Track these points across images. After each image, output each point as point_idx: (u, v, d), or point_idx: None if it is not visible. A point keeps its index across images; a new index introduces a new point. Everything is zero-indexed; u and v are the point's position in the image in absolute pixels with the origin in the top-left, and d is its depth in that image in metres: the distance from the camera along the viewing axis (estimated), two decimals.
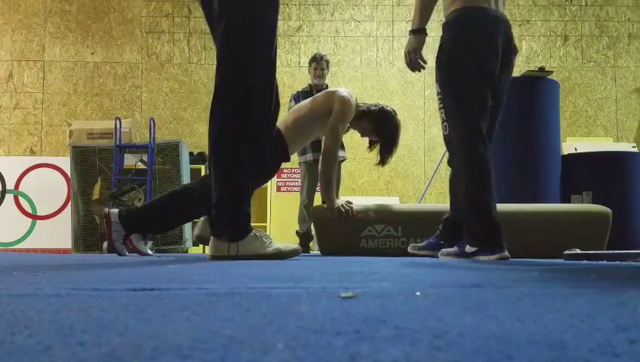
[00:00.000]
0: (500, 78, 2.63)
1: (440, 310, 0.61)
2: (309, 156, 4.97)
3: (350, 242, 3.45)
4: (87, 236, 5.68)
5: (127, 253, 3.21)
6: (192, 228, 6.16)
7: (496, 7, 2.60)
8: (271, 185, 6.83)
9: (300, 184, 5.23)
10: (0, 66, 7.55)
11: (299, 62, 7.47)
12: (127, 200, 5.21)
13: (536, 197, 4.19)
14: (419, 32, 2.69)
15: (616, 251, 2.70)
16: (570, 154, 5.10)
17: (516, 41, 2.89)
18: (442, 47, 2.68)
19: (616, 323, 0.51)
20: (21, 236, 6.58)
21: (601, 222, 3.42)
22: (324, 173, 3.43)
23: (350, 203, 3.55)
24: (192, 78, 7.58)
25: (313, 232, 4.77)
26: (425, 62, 2.72)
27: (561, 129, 5.29)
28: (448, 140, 2.71)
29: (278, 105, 2.50)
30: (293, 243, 5.53)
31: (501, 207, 3.48)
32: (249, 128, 2.23)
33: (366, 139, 3.72)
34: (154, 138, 5.62)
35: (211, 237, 2.27)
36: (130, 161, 5.70)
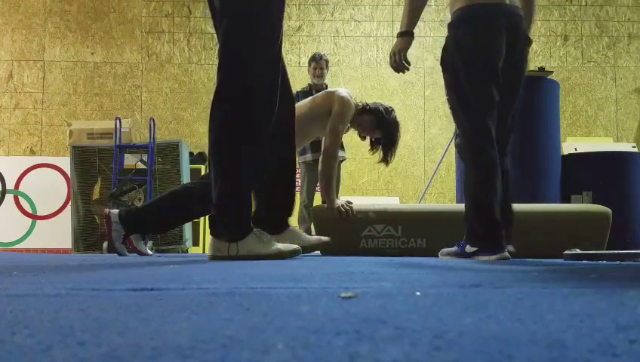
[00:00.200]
0: (507, 74, 2.61)
1: (440, 310, 0.61)
2: (309, 156, 4.97)
3: (350, 242, 3.45)
4: (87, 236, 5.68)
5: (127, 253, 3.21)
6: (192, 228, 6.16)
7: None
8: None
9: (299, 184, 5.24)
10: (0, 66, 7.55)
11: (299, 62, 7.47)
12: (127, 200, 5.21)
13: (536, 197, 4.19)
14: (406, 34, 2.71)
15: (616, 251, 2.70)
16: (570, 154, 5.10)
17: None
18: (446, 47, 2.69)
19: (616, 323, 0.51)
20: (21, 236, 6.59)
21: (601, 222, 3.42)
22: (324, 173, 3.43)
23: (350, 203, 3.54)
24: (192, 78, 7.58)
25: (313, 232, 4.77)
26: (409, 64, 2.76)
27: (561, 129, 5.29)
28: (458, 143, 2.74)
29: (292, 101, 2.51)
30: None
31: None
32: (249, 128, 2.23)
33: (366, 141, 3.72)
34: (154, 138, 5.62)
35: (211, 237, 2.28)
36: (130, 161, 5.70)
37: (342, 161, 5.02)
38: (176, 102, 7.56)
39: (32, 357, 0.36)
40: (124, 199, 5.21)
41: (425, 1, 2.76)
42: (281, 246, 2.28)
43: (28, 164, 6.79)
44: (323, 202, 3.70)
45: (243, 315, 0.57)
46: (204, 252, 6.26)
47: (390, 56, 2.75)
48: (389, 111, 3.58)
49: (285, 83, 2.47)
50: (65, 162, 6.41)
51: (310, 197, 5.01)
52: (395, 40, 2.79)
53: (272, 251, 2.22)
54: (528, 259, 2.74)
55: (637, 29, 7.78)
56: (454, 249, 2.69)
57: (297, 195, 5.25)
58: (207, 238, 6.28)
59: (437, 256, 2.85)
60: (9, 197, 6.65)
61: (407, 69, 2.76)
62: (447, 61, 2.66)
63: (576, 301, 0.71)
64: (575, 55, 7.66)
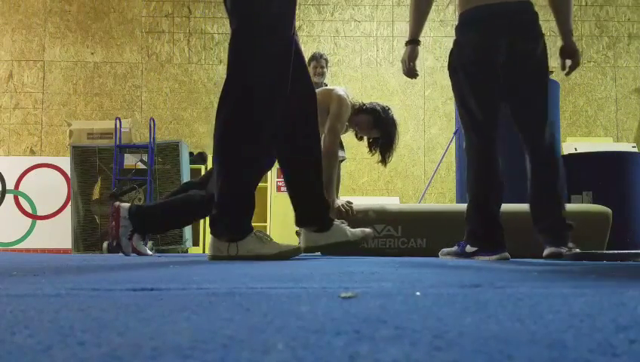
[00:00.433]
0: (511, 74, 2.60)
1: (440, 310, 0.61)
2: None
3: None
4: (87, 236, 5.68)
5: (130, 253, 3.21)
6: (192, 228, 6.16)
7: None
8: (271, 185, 6.83)
9: None
10: (0, 66, 7.55)
11: None
12: (127, 200, 5.21)
13: None
14: (412, 42, 2.77)
15: (616, 251, 2.70)
16: (570, 154, 5.09)
17: None
18: (450, 51, 2.75)
19: (616, 324, 0.51)
20: (21, 236, 6.58)
21: (601, 222, 3.42)
22: (325, 172, 3.43)
23: (350, 203, 3.54)
24: (192, 78, 7.58)
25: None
26: (412, 73, 2.83)
27: (561, 129, 5.29)
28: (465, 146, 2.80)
29: (309, 95, 2.50)
30: (293, 243, 5.54)
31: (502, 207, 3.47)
32: (249, 128, 2.23)
33: (366, 141, 3.72)
34: (154, 138, 5.62)
35: (211, 236, 2.28)
36: (130, 161, 5.70)
37: (342, 160, 5.01)
38: (176, 102, 7.56)
39: (32, 357, 0.36)
40: (124, 199, 5.20)
41: (428, 8, 2.78)
42: (281, 246, 2.28)
43: (28, 164, 6.79)
44: None
45: (243, 315, 0.57)
46: (204, 252, 6.26)
47: (402, 63, 2.84)
48: (386, 110, 3.57)
49: (304, 80, 2.47)
50: (65, 162, 6.41)
51: None
52: (403, 45, 2.86)
53: (272, 251, 2.22)
54: (528, 259, 2.74)
55: (637, 28, 7.78)
56: (454, 249, 2.69)
57: None
58: (207, 238, 6.28)
59: (437, 256, 2.84)
60: (9, 197, 6.65)
61: (417, 75, 2.84)
62: (450, 65, 2.71)
63: (577, 301, 0.71)
64: None
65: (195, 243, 6.43)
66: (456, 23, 2.71)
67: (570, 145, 6.71)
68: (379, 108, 3.56)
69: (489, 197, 2.61)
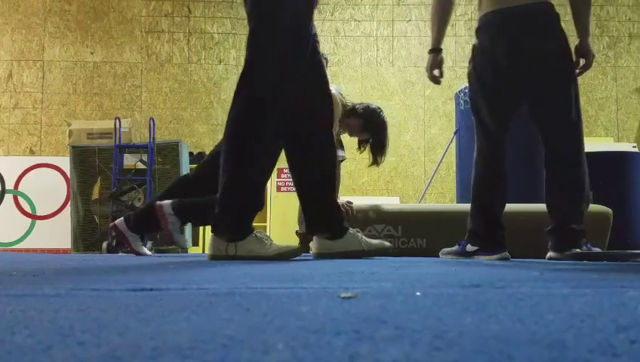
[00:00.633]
0: (521, 75, 2.61)
1: (440, 310, 0.61)
2: None
3: None
4: (87, 236, 5.68)
5: (184, 245, 3.33)
6: (192, 229, 6.16)
7: (511, 1, 2.60)
8: (271, 185, 6.83)
9: None
10: None
11: None
12: (127, 200, 5.21)
13: (536, 197, 4.19)
14: (433, 51, 2.84)
15: (616, 251, 2.70)
16: None
17: None
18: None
19: (616, 324, 0.51)
20: (21, 236, 6.58)
21: (601, 222, 3.42)
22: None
23: (350, 203, 3.54)
24: (192, 78, 7.58)
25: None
26: (441, 77, 2.89)
27: None
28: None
29: (327, 97, 2.50)
30: (293, 243, 5.54)
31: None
32: (257, 127, 2.23)
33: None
34: (154, 138, 5.62)
35: (211, 234, 2.28)
36: (129, 161, 5.69)
37: (342, 160, 5.01)
38: (175, 102, 7.56)
39: (32, 357, 0.36)
40: (124, 199, 5.21)
41: (448, 16, 2.83)
42: (281, 247, 2.28)
43: (27, 164, 6.79)
44: None
45: (243, 315, 0.57)
46: (204, 252, 6.26)
47: (426, 71, 2.92)
48: (376, 112, 3.54)
49: (320, 80, 2.46)
50: (64, 162, 6.41)
51: None
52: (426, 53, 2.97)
53: (271, 252, 2.22)
54: (528, 259, 2.74)
55: (637, 28, 7.78)
56: (455, 248, 2.70)
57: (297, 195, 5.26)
58: (207, 238, 6.28)
59: (437, 256, 2.84)
60: (8, 197, 6.65)
61: (440, 82, 2.92)
62: (468, 70, 2.82)
63: (577, 301, 0.71)
64: None
65: (195, 243, 6.43)
66: (476, 25, 2.76)
67: None
68: (369, 111, 3.52)
69: (493, 199, 2.63)
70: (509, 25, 2.60)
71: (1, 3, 7.57)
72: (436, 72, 2.83)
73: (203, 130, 7.35)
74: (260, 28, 2.24)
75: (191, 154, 6.54)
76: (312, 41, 2.37)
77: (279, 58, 2.25)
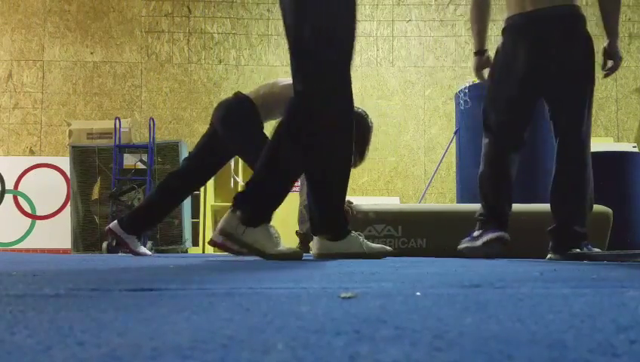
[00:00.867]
0: (550, 75, 2.67)
1: (440, 310, 0.61)
2: None
3: None
4: (87, 236, 5.68)
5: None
6: (192, 229, 6.16)
7: (534, 4, 2.66)
8: None
9: (299, 184, 5.24)
10: None
11: None
12: (127, 200, 5.21)
13: (536, 197, 4.19)
14: (477, 54, 2.95)
15: (616, 251, 2.71)
16: None
17: None
18: None
19: (616, 324, 0.51)
20: (20, 236, 6.58)
21: (601, 222, 3.42)
22: None
23: (350, 203, 3.54)
24: (192, 78, 7.58)
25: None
26: (484, 80, 2.99)
27: None
28: None
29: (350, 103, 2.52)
30: (293, 243, 5.53)
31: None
32: (307, 137, 2.28)
33: None
34: (154, 138, 5.62)
35: (230, 210, 2.26)
36: (129, 161, 5.70)
37: None
38: (175, 102, 7.56)
39: (31, 357, 0.36)
40: (124, 199, 5.21)
41: (486, 17, 2.90)
42: (284, 248, 2.27)
43: (27, 164, 6.79)
44: None
45: (243, 315, 0.57)
46: (203, 252, 6.26)
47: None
48: (359, 117, 3.54)
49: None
50: (64, 162, 6.41)
51: None
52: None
53: (272, 250, 2.22)
54: (528, 259, 2.74)
55: (637, 28, 7.78)
56: (467, 238, 2.80)
57: (297, 195, 5.26)
58: (207, 238, 6.28)
59: (437, 256, 2.85)
60: (8, 197, 6.65)
61: (487, 83, 2.98)
62: (490, 68, 2.92)
63: (577, 301, 0.71)
64: None
65: (195, 243, 6.43)
66: (503, 26, 2.84)
67: None
68: (355, 117, 3.53)
69: (500, 198, 2.72)
70: (533, 27, 2.67)
71: (1, 3, 7.57)
72: (485, 73, 2.93)
73: (203, 130, 7.32)
74: (307, 63, 2.23)
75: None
76: None
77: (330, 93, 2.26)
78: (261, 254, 2.21)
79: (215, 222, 6.36)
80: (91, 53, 7.58)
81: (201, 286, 0.93)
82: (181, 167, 3.50)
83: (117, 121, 5.63)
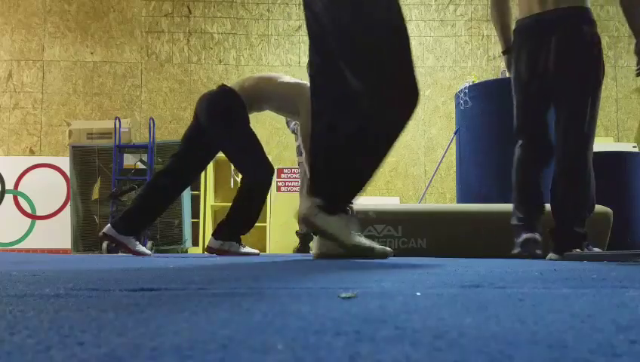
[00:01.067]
0: (556, 79, 2.70)
1: (440, 310, 0.61)
2: None
3: None
4: (87, 236, 5.68)
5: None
6: (192, 229, 6.17)
7: (542, 6, 2.69)
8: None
9: (299, 184, 5.24)
10: None
11: (299, 62, 7.47)
12: (127, 200, 5.21)
13: None
14: (505, 52, 2.97)
15: (616, 251, 2.71)
16: None
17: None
18: None
19: (616, 324, 0.51)
20: (20, 236, 6.59)
21: (601, 222, 3.42)
22: None
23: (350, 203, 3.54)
24: (192, 78, 7.58)
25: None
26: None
27: None
28: None
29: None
30: (293, 243, 5.53)
31: (502, 207, 3.48)
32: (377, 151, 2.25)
33: None
34: (154, 138, 5.62)
35: (306, 195, 2.23)
36: (129, 160, 5.70)
37: None
38: (175, 102, 7.56)
39: (31, 358, 0.36)
40: (124, 199, 5.21)
41: (506, 18, 2.93)
42: (366, 243, 2.22)
43: (27, 164, 6.79)
44: None
45: (243, 315, 0.56)
46: (203, 252, 6.26)
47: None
48: None
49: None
50: (64, 162, 6.41)
51: None
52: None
53: (349, 242, 2.16)
54: (529, 260, 2.74)
55: None
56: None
57: (297, 195, 5.26)
58: (206, 238, 6.29)
59: (437, 256, 2.85)
60: (8, 198, 6.65)
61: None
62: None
63: (577, 301, 0.71)
64: None
65: (195, 243, 6.43)
66: (514, 27, 2.89)
67: None
68: None
69: (531, 214, 2.80)
70: (536, 30, 2.71)
71: (1, 3, 7.57)
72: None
73: None
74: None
75: None
76: None
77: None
78: (336, 242, 2.16)
79: (215, 222, 6.35)
80: (91, 53, 7.58)
81: (201, 286, 0.93)
82: (169, 164, 3.47)
83: (117, 121, 5.63)
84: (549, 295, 0.79)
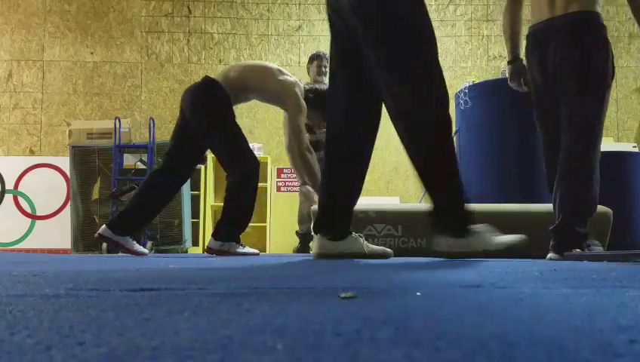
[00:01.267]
0: (562, 84, 2.73)
1: (440, 310, 0.61)
2: None
3: None
4: (87, 236, 5.68)
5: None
6: (192, 229, 6.16)
7: (551, 12, 2.74)
8: (271, 185, 6.83)
9: (299, 184, 5.24)
10: None
11: (299, 62, 7.46)
12: (127, 201, 5.21)
13: (536, 197, 4.19)
14: (510, 61, 2.99)
15: (616, 251, 2.71)
16: None
17: None
18: None
19: (616, 324, 0.51)
20: (20, 236, 6.58)
21: (601, 222, 3.41)
22: (310, 174, 3.38)
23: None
24: (192, 78, 7.58)
25: (313, 232, 4.77)
26: (520, 87, 3.03)
27: None
28: None
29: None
30: (293, 243, 5.52)
31: (502, 207, 3.48)
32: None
33: None
34: (154, 138, 5.62)
35: (436, 228, 2.30)
36: (129, 160, 5.70)
37: None
38: (175, 102, 7.55)
39: (31, 358, 0.36)
40: (124, 199, 5.20)
41: (517, 27, 2.95)
42: (505, 238, 2.30)
43: (27, 164, 6.79)
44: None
45: (243, 315, 0.56)
46: (203, 252, 6.26)
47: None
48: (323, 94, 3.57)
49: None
50: (64, 162, 6.41)
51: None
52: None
53: (494, 245, 2.26)
54: (529, 260, 2.74)
55: (637, 28, 7.77)
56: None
57: (297, 195, 5.26)
58: (206, 238, 6.28)
59: (437, 256, 2.85)
60: (8, 197, 6.65)
61: (524, 90, 3.04)
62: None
63: (577, 301, 0.70)
64: None
65: (195, 243, 6.43)
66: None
67: None
68: (316, 90, 3.58)
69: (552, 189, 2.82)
70: (544, 35, 2.75)
71: (1, 3, 7.57)
72: (514, 84, 2.99)
73: None
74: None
75: None
76: None
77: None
78: (491, 247, 2.25)
79: (215, 222, 6.34)
80: (91, 53, 7.58)
81: (201, 286, 0.93)
82: (162, 163, 3.47)
83: (117, 121, 5.63)
84: (549, 295, 0.79)
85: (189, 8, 7.66)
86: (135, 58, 7.59)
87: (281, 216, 6.65)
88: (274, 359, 0.36)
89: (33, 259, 2.73)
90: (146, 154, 5.57)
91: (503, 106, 4.43)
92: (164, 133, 7.36)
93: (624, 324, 0.50)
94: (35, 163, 6.81)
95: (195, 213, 6.40)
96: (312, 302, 0.69)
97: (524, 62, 2.92)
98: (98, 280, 1.09)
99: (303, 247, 5.06)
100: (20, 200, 6.65)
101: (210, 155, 6.23)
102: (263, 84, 3.37)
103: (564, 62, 2.70)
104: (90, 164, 5.78)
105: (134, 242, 3.38)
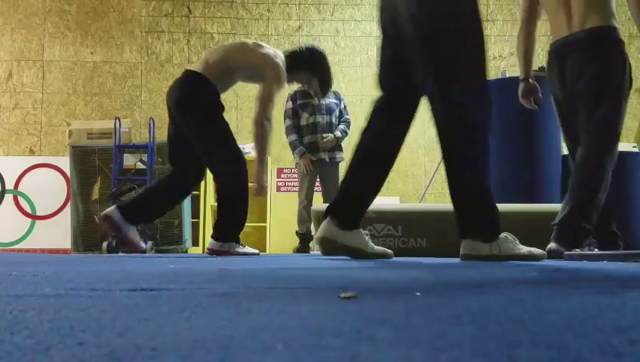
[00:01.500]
0: (580, 95, 2.79)
1: (440, 310, 0.61)
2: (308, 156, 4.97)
3: None
4: (87, 236, 5.68)
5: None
6: (192, 229, 6.16)
7: (569, 29, 2.80)
8: (271, 185, 6.82)
9: (298, 184, 5.24)
10: None
11: None
12: (127, 201, 5.21)
13: (536, 197, 4.19)
14: (522, 80, 3.06)
15: (616, 251, 2.71)
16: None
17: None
18: None
19: (616, 324, 0.51)
20: (20, 236, 6.58)
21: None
22: (261, 142, 3.31)
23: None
24: None
25: (313, 232, 4.77)
26: (531, 105, 3.09)
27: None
28: None
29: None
30: (292, 243, 5.52)
31: (501, 207, 3.48)
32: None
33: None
34: (154, 138, 5.62)
35: (464, 237, 2.30)
36: (129, 160, 5.70)
37: (340, 162, 5.02)
38: None
39: (31, 358, 0.36)
40: (124, 199, 5.20)
41: (529, 48, 3.01)
42: (532, 249, 2.31)
43: (27, 164, 6.79)
44: (324, 202, 3.70)
45: (243, 315, 0.56)
46: (203, 252, 6.26)
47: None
48: (315, 53, 3.66)
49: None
50: (64, 162, 6.41)
51: (309, 198, 5.01)
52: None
53: (524, 251, 2.26)
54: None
55: (637, 28, 7.78)
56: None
57: (297, 195, 5.26)
58: (206, 238, 6.28)
59: (436, 256, 2.85)
60: (8, 197, 6.65)
61: (535, 108, 3.11)
62: None
63: (577, 301, 0.71)
64: None
65: (195, 243, 6.43)
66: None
67: None
68: (312, 57, 3.68)
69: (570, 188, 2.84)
70: (563, 51, 2.82)
71: (1, 3, 7.57)
72: (525, 102, 3.06)
73: None
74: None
75: None
76: None
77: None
78: (515, 258, 2.24)
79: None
80: (91, 53, 7.58)
81: (201, 286, 0.93)
82: (171, 170, 3.48)
83: (117, 121, 5.63)
84: (549, 295, 0.79)
85: (189, 8, 7.66)
86: (135, 58, 7.59)
87: (281, 216, 6.65)
88: (274, 359, 0.36)
89: (33, 259, 2.73)
90: (146, 155, 5.57)
91: (503, 106, 4.43)
92: (164, 133, 7.35)
93: (624, 324, 0.50)
94: (35, 163, 6.81)
95: (195, 213, 6.40)
96: (312, 302, 0.69)
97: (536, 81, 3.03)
98: (98, 280, 1.09)
99: (303, 247, 5.06)
100: (20, 200, 6.65)
101: None
102: (246, 60, 3.33)
103: (581, 76, 2.78)
104: (90, 164, 5.78)
105: (137, 234, 3.33)
